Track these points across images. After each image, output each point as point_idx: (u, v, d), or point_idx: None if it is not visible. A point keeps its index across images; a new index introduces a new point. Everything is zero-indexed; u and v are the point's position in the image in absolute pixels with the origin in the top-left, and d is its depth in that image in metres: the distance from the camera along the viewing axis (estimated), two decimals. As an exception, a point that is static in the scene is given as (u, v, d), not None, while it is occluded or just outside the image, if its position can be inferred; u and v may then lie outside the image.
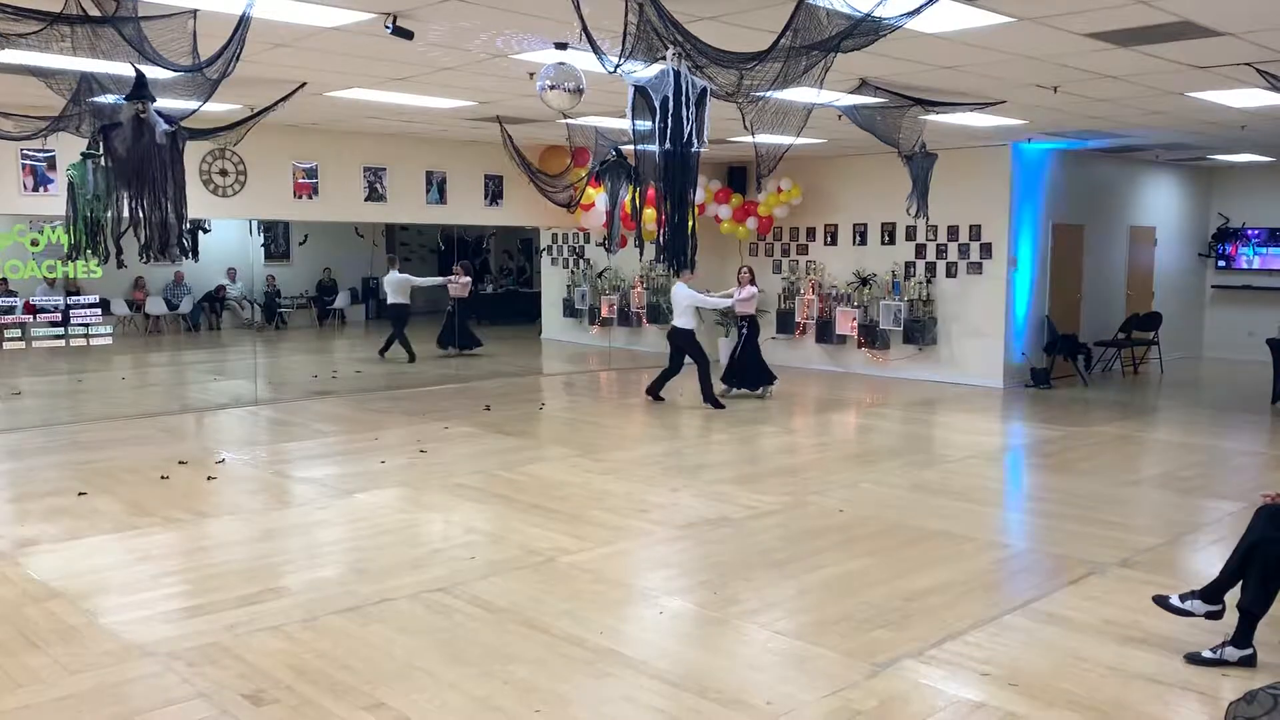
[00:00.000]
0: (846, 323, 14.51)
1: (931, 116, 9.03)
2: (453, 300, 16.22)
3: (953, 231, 13.56)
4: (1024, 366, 13.49)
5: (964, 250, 13.51)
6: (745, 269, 12.28)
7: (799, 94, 6.54)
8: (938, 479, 8.32)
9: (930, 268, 13.83)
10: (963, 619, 5.10)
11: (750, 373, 12.24)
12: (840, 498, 7.58)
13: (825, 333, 14.81)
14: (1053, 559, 6.25)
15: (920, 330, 13.78)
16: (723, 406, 11.49)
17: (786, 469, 8.70)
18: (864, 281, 14.32)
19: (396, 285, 15.62)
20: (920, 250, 13.91)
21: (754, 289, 12.04)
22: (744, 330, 12.17)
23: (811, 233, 15.14)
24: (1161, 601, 4.90)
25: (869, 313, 14.38)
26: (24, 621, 4.98)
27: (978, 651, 4.70)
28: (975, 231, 13.38)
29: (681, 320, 11.67)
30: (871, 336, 14.31)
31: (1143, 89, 8.58)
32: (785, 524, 6.89)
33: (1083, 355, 13.97)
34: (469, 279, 16.41)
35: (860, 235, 14.55)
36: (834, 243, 14.87)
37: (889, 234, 14.21)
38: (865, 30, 4.90)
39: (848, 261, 14.61)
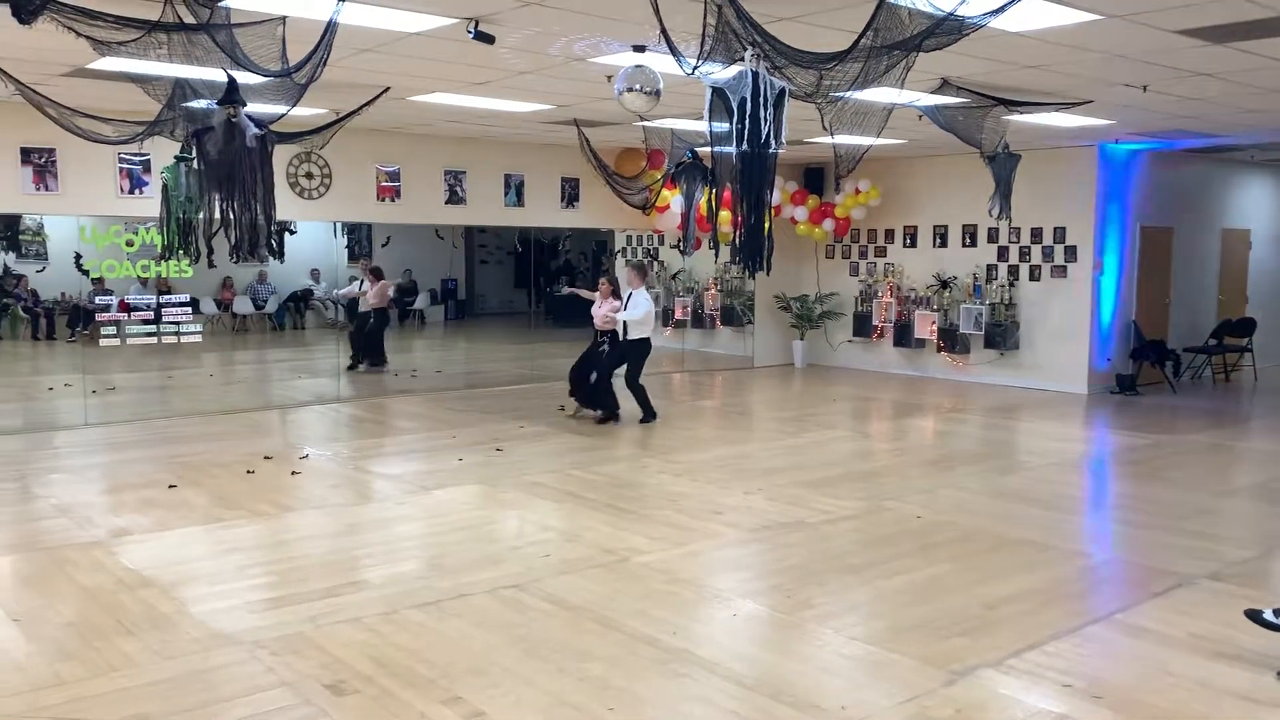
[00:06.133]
0: (925, 326, 14.31)
1: (1015, 117, 8.86)
2: (371, 309, 14.56)
3: (1036, 234, 13.29)
4: (1109, 372, 13.15)
5: (1048, 253, 13.23)
6: (606, 280, 10.93)
7: (879, 94, 6.48)
8: (1018, 485, 8.15)
9: (1013, 271, 13.57)
10: (1043, 629, 4.99)
11: (590, 391, 10.78)
12: (918, 503, 7.48)
13: (903, 336, 14.62)
14: (1138, 570, 6.09)
15: (1002, 334, 13.52)
16: (614, 416, 10.59)
17: (862, 474, 8.61)
18: (944, 284, 14.10)
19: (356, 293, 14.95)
20: (1003, 253, 13.66)
21: (616, 303, 10.47)
22: (604, 348, 10.60)
23: (890, 235, 14.96)
24: (1254, 616, 4.73)
25: (949, 316, 14.16)
26: (118, 608, 5.17)
27: (1059, 662, 4.60)
28: (1059, 234, 13.10)
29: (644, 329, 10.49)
30: (951, 340, 14.09)
31: (1238, 87, 8.30)
32: (861, 529, 6.82)
33: (1171, 361, 13.57)
34: (387, 283, 14.92)
35: (940, 237, 14.33)
36: (913, 245, 14.67)
37: (970, 236, 13.97)
38: (948, 29, 4.83)
39: (927, 264, 14.40)
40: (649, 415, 10.68)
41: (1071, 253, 13.01)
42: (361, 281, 14.88)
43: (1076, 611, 5.34)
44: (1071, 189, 12.86)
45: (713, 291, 16.99)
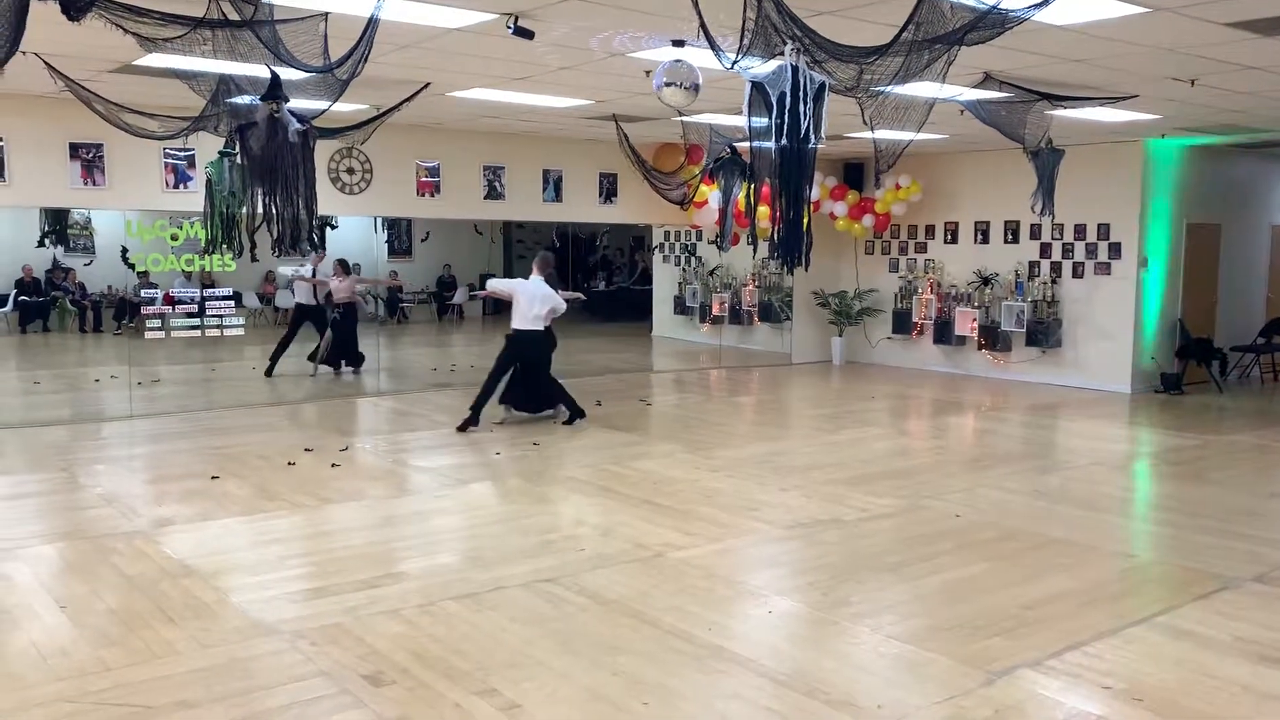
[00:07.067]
0: (966, 323, 14.17)
1: (1058, 111, 8.74)
2: (336, 306, 13.38)
3: (1080, 230, 13.11)
4: (1153, 371, 12.96)
5: (1091, 250, 13.05)
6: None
7: (920, 89, 6.42)
8: (1060, 485, 8.06)
9: (1055, 267, 13.40)
10: (1084, 630, 4.93)
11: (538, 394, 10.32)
12: (957, 502, 7.41)
13: (944, 333, 14.49)
14: (1181, 571, 5.99)
15: (1044, 332, 13.36)
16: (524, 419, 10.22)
17: (901, 472, 8.55)
18: (985, 281, 13.95)
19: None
20: (1045, 249, 13.49)
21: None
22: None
23: (931, 230, 14.83)
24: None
25: (990, 313, 14.01)
26: (161, 596, 5.25)
27: (1099, 664, 4.54)
28: (1103, 230, 12.91)
29: (544, 321, 9.86)
30: (992, 338, 13.94)
31: (1289, 81, 8.14)
32: (899, 527, 6.77)
33: (1217, 360, 13.33)
34: (355, 278, 13.82)
35: (982, 233, 14.18)
36: (954, 241, 14.53)
37: (1012, 232, 13.81)
38: (991, 23, 4.78)
39: (968, 260, 14.25)
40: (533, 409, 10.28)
41: (1116, 249, 12.82)
42: (314, 270, 13.44)
43: (1117, 613, 5.26)
44: (1116, 185, 12.67)
45: (750, 287, 16.94)
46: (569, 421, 10.16)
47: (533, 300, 9.73)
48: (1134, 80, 8.16)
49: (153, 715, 3.93)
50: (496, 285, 10.16)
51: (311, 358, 13.45)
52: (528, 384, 10.12)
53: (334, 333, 13.33)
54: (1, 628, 4.85)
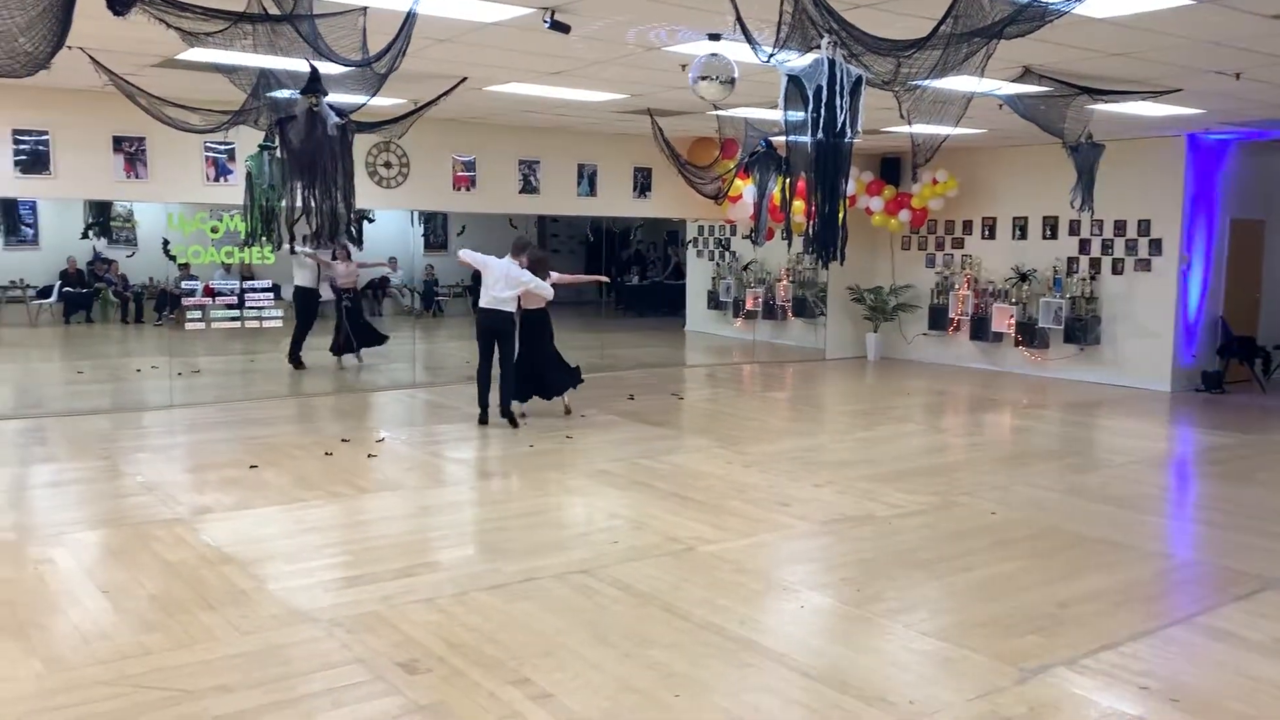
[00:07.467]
0: (1003, 320, 14.04)
1: (1099, 106, 8.63)
2: (346, 292, 13.29)
3: (1120, 226, 12.94)
4: (1194, 370, 12.77)
5: (1131, 246, 12.88)
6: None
7: (958, 82, 6.37)
8: (1097, 483, 7.97)
9: (1094, 264, 13.24)
10: (1120, 629, 4.88)
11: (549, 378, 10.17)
12: (992, 499, 7.36)
13: (980, 330, 14.36)
14: (1221, 572, 5.91)
15: (1083, 329, 13.21)
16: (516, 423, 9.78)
17: (935, 468, 8.50)
18: (1023, 277, 13.82)
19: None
20: (1084, 245, 13.33)
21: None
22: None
23: (968, 226, 14.70)
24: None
25: (1027, 310, 13.87)
26: (200, 583, 5.33)
27: (1136, 663, 4.49)
28: (1144, 226, 12.74)
29: (510, 303, 9.67)
30: (1030, 335, 13.80)
31: (1337, 74, 7.99)
32: (933, 524, 6.73)
33: (1260, 359, 13.11)
34: (356, 263, 13.47)
35: (1020, 229, 14.04)
36: (991, 236, 14.40)
37: (1051, 228, 13.66)
38: (1031, 16, 4.74)
39: (1006, 256, 14.12)
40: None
41: (1156, 246, 12.65)
42: (321, 254, 12.79)
43: (1155, 613, 5.21)
44: (1158, 180, 12.50)
45: (784, 282, 16.88)
46: (506, 410, 9.73)
47: (497, 279, 9.52)
48: (1177, 74, 8.04)
49: (192, 699, 3.99)
50: (468, 256, 9.87)
51: (335, 351, 13.45)
52: (520, 370, 9.90)
53: (349, 321, 13.26)
54: (46, 611, 4.96)
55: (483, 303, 9.66)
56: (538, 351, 10.01)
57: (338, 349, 13.47)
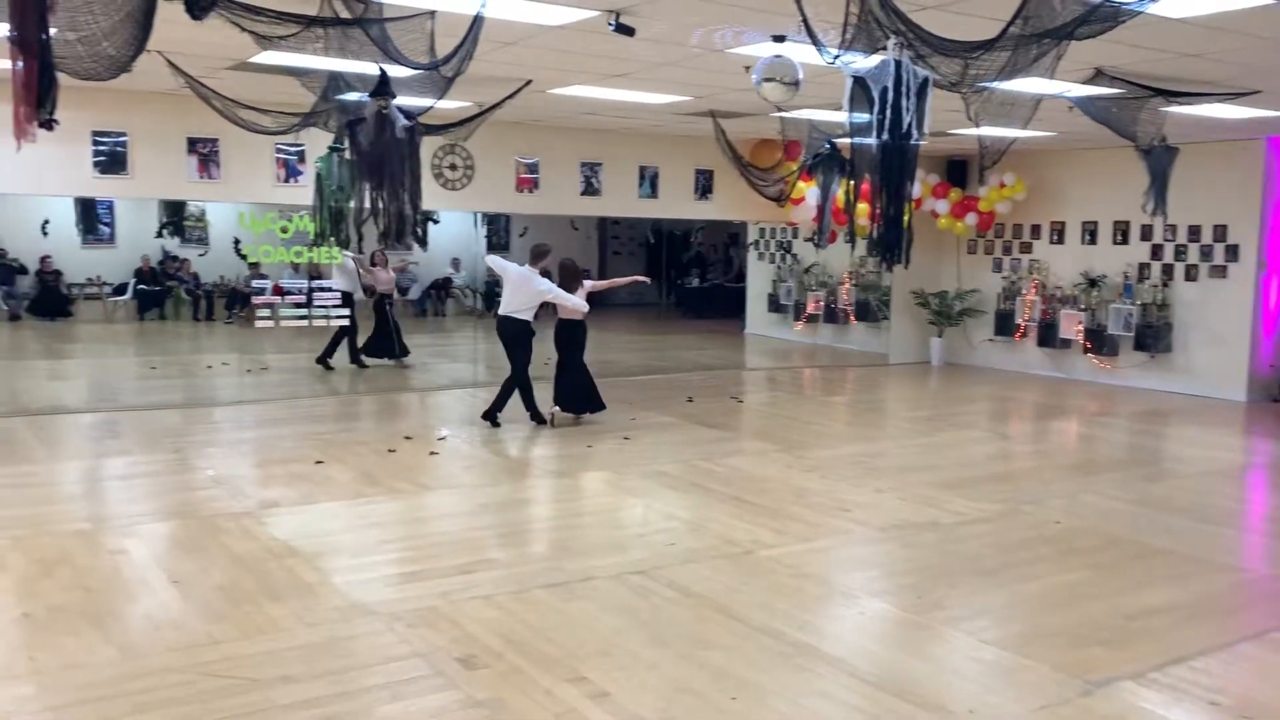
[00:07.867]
0: (1071, 326, 13.77)
1: (1173, 108, 8.43)
2: (387, 297, 13.30)
3: (1194, 231, 12.62)
4: (1271, 380, 12.40)
5: (1206, 252, 12.55)
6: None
7: (1027, 84, 6.27)
8: (1166, 494, 7.79)
9: (1167, 270, 12.93)
10: (1189, 643, 4.77)
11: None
12: (1057, 508, 7.22)
13: (1048, 336, 14.09)
14: (1297, 588, 5.75)
15: (1154, 336, 12.90)
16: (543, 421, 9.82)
17: (1000, 476, 8.37)
18: (1092, 283, 13.53)
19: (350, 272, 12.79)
20: (1157, 251, 13.02)
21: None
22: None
23: (1036, 230, 14.44)
24: None
25: (1096, 316, 13.58)
26: (266, 575, 5.45)
27: (1205, 679, 4.38)
28: (1219, 232, 12.41)
29: (527, 311, 9.62)
30: (1099, 341, 13.51)
31: None
32: (996, 532, 6.63)
33: (1341, 369, 12.70)
34: (390, 274, 13.52)
35: (1090, 234, 13.76)
36: (1060, 241, 14.13)
37: (1122, 233, 13.37)
38: (1103, 16, 4.64)
39: (1075, 261, 13.84)
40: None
41: (1233, 252, 12.31)
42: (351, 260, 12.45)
43: (1226, 628, 5.07)
44: (1235, 185, 12.16)
45: (847, 286, 16.74)
46: (533, 418, 9.80)
47: (516, 289, 9.56)
48: (1255, 74, 7.82)
49: (257, 688, 4.08)
50: (493, 262, 10.04)
51: (391, 355, 13.45)
52: (559, 380, 9.94)
53: (390, 324, 13.24)
54: (119, 599, 5.10)
55: (500, 310, 9.78)
56: (570, 362, 9.92)
57: (370, 353, 13.29)
